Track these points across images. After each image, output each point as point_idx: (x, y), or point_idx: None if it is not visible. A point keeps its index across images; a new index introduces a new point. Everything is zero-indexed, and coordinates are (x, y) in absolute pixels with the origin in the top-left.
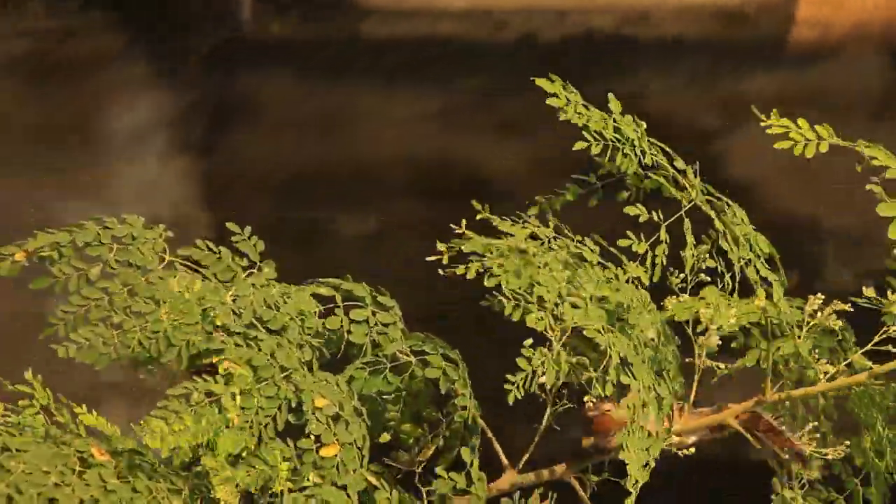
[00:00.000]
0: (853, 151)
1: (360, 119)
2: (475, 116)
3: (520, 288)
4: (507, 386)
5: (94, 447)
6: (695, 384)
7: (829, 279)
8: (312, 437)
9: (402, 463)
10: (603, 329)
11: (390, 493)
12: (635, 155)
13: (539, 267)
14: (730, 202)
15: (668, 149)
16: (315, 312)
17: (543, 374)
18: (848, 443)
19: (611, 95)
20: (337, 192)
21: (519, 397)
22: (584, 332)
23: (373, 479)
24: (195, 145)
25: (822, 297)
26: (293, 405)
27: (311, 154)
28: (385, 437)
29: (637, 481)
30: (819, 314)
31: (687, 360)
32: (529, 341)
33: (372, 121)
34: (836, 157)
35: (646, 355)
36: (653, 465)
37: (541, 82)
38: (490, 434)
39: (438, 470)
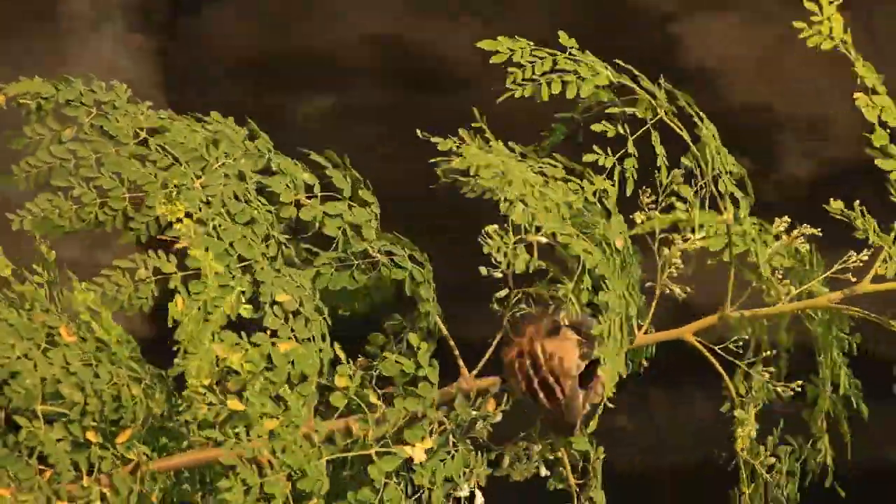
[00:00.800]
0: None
1: (322, 2)
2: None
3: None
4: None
5: (62, 327)
6: (655, 301)
7: (786, 169)
8: (268, 332)
9: (361, 366)
10: (577, 236)
11: (353, 372)
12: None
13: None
14: (701, 115)
15: (636, 72)
16: (292, 202)
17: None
18: (801, 382)
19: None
20: (298, 76)
21: (498, 276)
22: (559, 239)
23: (340, 352)
24: (156, 29)
25: (789, 220)
26: (249, 298)
27: (274, 37)
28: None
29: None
30: (784, 236)
31: (648, 283)
32: (494, 227)
33: (334, 3)
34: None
35: (617, 265)
36: (615, 382)
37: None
38: (449, 338)
39: (386, 353)
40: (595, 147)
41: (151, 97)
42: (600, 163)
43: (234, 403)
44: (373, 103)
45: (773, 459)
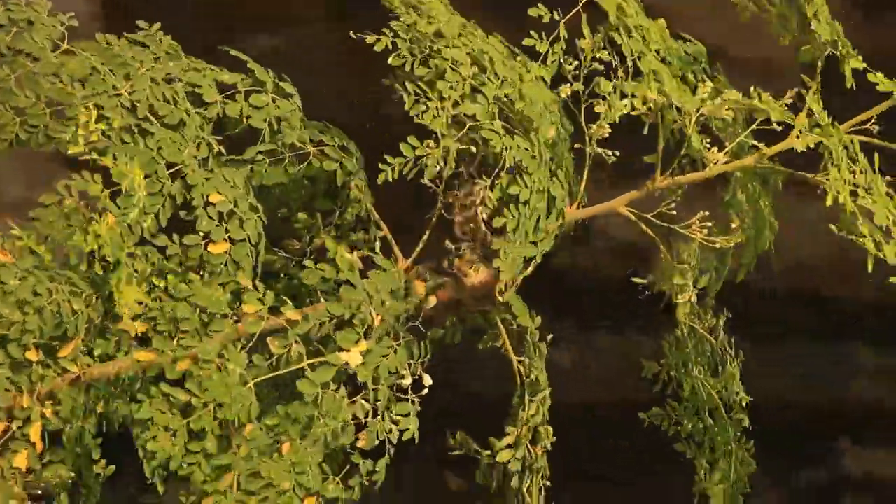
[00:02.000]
0: None
1: None
2: None
3: (424, 78)
4: (382, 166)
5: None
6: (585, 171)
7: None
8: (201, 234)
9: (293, 252)
10: (501, 131)
11: (262, 295)
12: None
13: (447, 60)
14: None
15: None
16: (217, 101)
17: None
18: (736, 224)
19: None
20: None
21: (391, 179)
22: (482, 132)
23: (246, 282)
24: None
25: (711, 85)
26: (180, 202)
27: None
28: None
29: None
30: (709, 102)
31: (576, 144)
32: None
33: None
34: None
35: (544, 157)
36: (539, 260)
37: None
38: (383, 227)
39: (307, 261)
40: (532, 32)
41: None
42: (537, 48)
43: (142, 355)
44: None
45: (713, 320)
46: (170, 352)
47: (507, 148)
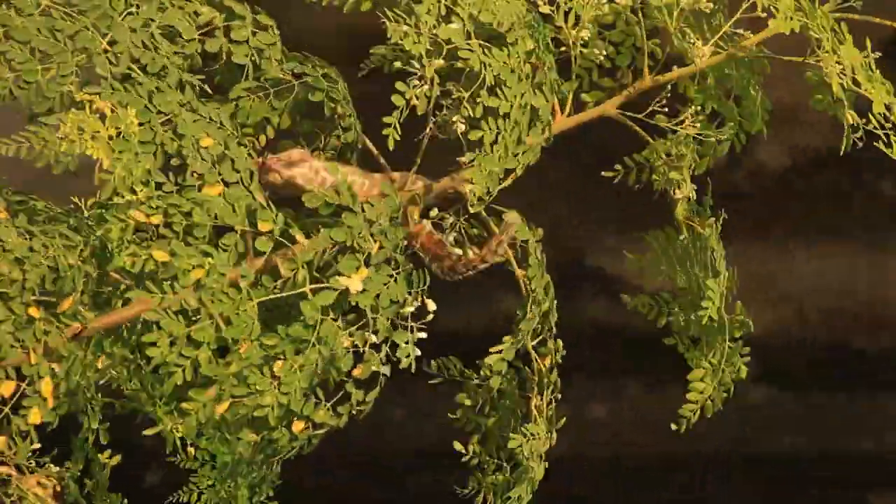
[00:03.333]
0: None
1: None
2: None
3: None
4: (386, 131)
5: None
6: (573, 78)
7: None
8: (195, 175)
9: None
10: (479, 50)
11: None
12: None
13: None
14: None
15: None
16: (196, 39)
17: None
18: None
19: None
20: None
21: (397, 138)
22: (459, 54)
23: (261, 198)
24: None
25: None
26: (172, 151)
27: None
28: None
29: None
30: None
31: (561, 48)
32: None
33: None
34: None
35: (524, 70)
36: (520, 173)
37: None
38: (375, 150)
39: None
40: None
41: None
42: None
43: (159, 254)
44: None
45: (711, 219)
46: (185, 256)
47: (485, 65)
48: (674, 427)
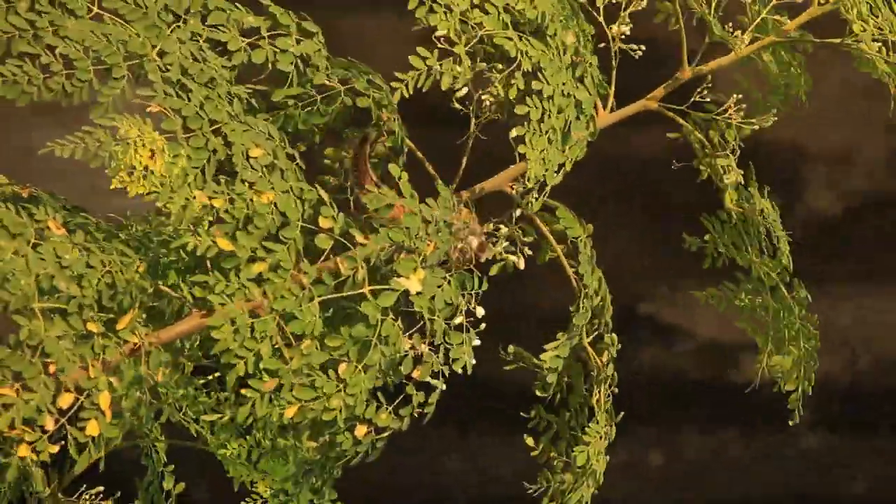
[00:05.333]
0: None
1: None
2: None
3: None
4: (394, 84)
5: (50, 221)
6: (613, 73)
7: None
8: (247, 185)
9: (331, 189)
10: (516, 37)
11: (336, 213)
12: None
13: None
14: None
15: None
16: (242, 49)
17: (440, 75)
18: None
19: None
20: None
21: (406, 95)
22: (495, 40)
23: (323, 194)
24: None
25: None
26: (222, 158)
27: None
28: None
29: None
30: None
31: (601, 45)
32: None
33: None
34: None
35: (564, 62)
36: (569, 168)
37: None
38: (420, 154)
39: (368, 186)
40: None
41: None
42: None
43: (223, 242)
44: None
45: (766, 203)
46: (249, 248)
47: (522, 52)
48: (791, 423)
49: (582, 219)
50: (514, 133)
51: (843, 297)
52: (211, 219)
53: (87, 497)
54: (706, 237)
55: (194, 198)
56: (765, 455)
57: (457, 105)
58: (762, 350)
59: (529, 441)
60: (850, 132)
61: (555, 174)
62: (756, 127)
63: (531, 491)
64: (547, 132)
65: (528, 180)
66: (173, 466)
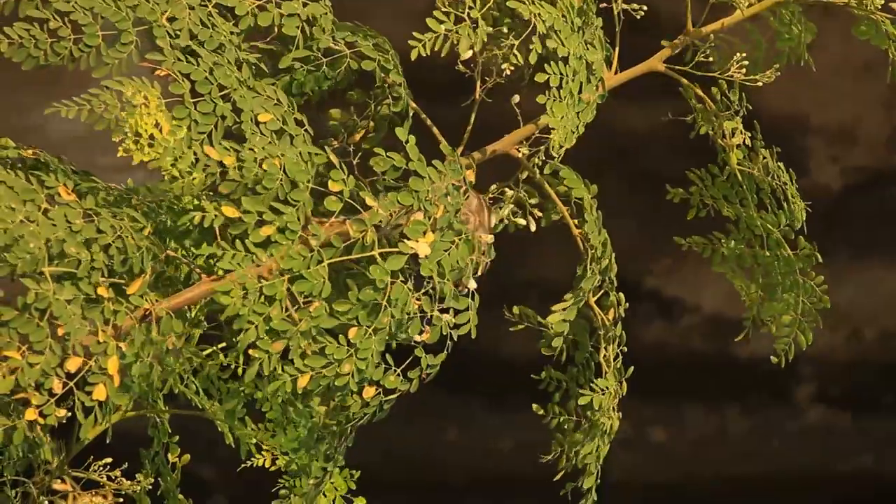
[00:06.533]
0: None
1: None
2: None
3: None
4: (412, 42)
5: (61, 187)
6: (617, 34)
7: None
8: (255, 150)
9: (336, 149)
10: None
11: (346, 176)
12: None
13: None
14: None
15: None
16: (248, 12)
17: (457, 41)
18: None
19: None
20: None
21: (424, 54)
22: (508, 3)
23: (333, 157)
24: None
25: None
26: (230, 124)
27: None
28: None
29: (562, 146)
30: None
31: (602, 4)
32: None
33: None
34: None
35: (576, 24)
36: (581, 131)
37: None
38: (425, 117)
39: (376, 149)
40: None
41: None
42: None
43: (229, 210)
44: None
45: (774, 163)
46: (256, 212)
47: (535, 14)
48: (773, 360)
49: (586, 180)
50: (540, 99)
51: (845, 271)
52: (217, 181)
53: (95, 468)
54: (691, 189)
55: (206, 156)
56: (768, 430)
57: (462, 68)
58: (749, 297)
59: (538, 410)
60: (852, 107)
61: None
62: (759, 84)
63: (546, 460)
64: (565, 98)
65: (552, 148)
66: (178, 438)
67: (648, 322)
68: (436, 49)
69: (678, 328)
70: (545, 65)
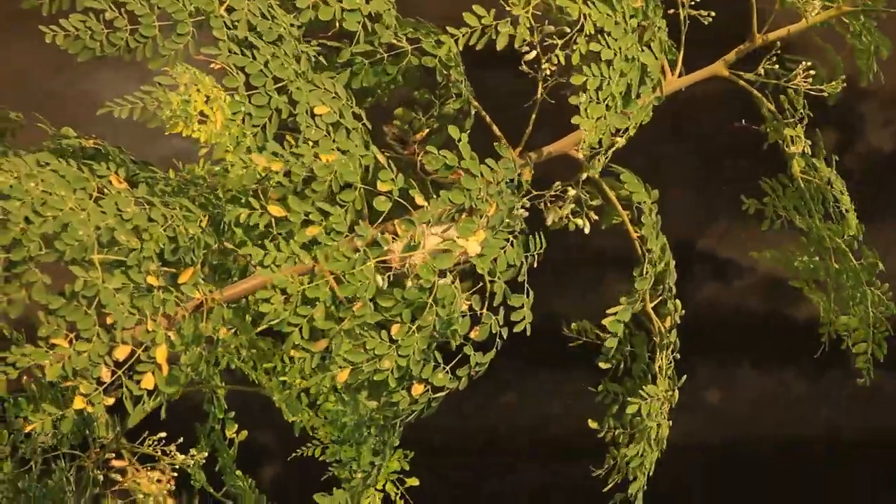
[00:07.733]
0: None
1: None
2: None
3: None
4: (442, 38)
5: (112, 176)
6: (682, 37)
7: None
8: (310, 144)
9: (399, 145)
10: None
11: (395, 176)
12: None
13: None
14: None
15: None
16: (309, 5)
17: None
18: (844, 77)
19: None
20: None
21: (458, 49)
22: (557, 2)
23: (381, 157)
24: None
25: None
26: (286, 117)
27: None
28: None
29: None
30: None
31: (670, 11)
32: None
33: None
34: None
35: (630, 25)
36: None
37: None
38: (486, 117)
39: (429, 147)
40: None
41: None
42: None
43: (275, 209)
44: None
45: (832, 173)
46: (302, 213)
47: (585, 16)
48: (859, 382)
49: (647, 184)
50: (573, 100)
51: None
52: (273, 185)
53: (150, 443)
54: (765, 199)
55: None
56: (823, 393)
57: (525, 68)
58: (825, 311)
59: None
60: None
61: (620, 138)
62: (825, 94)
63: (597, 474)
64: (605, 99)
65: (581, 148)
66: (234, 413)
67: (701, 284)
68: (471, 43)
69: (732, 289)
70: (584, 66)
